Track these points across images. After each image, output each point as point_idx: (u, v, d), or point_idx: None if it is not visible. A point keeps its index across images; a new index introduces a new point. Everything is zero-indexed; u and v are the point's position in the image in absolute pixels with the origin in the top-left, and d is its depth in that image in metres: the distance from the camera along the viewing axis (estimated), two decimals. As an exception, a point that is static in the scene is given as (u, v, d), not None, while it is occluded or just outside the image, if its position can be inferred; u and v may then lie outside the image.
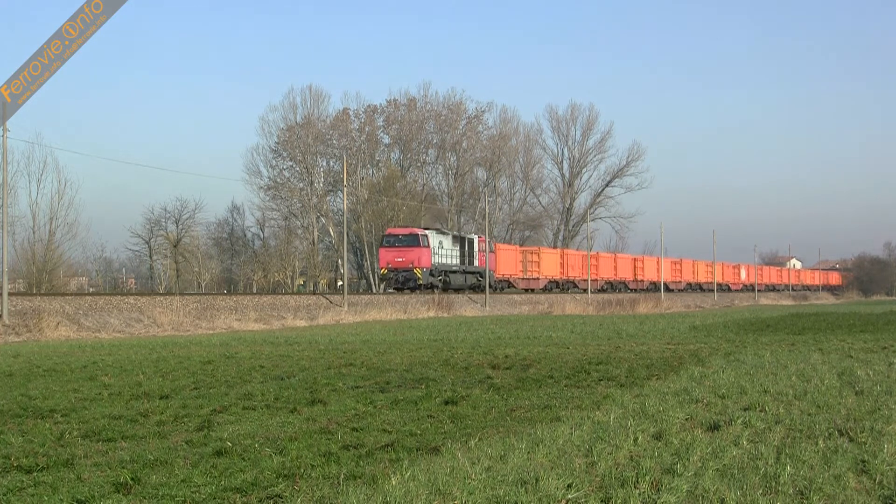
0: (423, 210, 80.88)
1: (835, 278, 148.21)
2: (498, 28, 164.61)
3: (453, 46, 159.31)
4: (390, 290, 53.61)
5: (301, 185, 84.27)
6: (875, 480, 7.18)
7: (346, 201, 52.48)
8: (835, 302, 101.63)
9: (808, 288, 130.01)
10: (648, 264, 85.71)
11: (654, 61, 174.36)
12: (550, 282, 69.85)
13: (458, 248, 54.93)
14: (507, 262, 62.72)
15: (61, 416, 10.60)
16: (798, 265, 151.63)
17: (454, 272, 54.15)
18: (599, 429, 9.06)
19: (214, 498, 6.82)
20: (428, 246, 50.75)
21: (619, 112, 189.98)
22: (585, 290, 70.58)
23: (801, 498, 6.64)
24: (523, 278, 65.93)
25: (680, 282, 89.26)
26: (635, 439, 8.56)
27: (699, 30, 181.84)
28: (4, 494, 6.96)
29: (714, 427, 9.29)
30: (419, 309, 47.46)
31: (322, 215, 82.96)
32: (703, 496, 6.57)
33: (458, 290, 55.05)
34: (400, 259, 50.70)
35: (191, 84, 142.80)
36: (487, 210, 70.39)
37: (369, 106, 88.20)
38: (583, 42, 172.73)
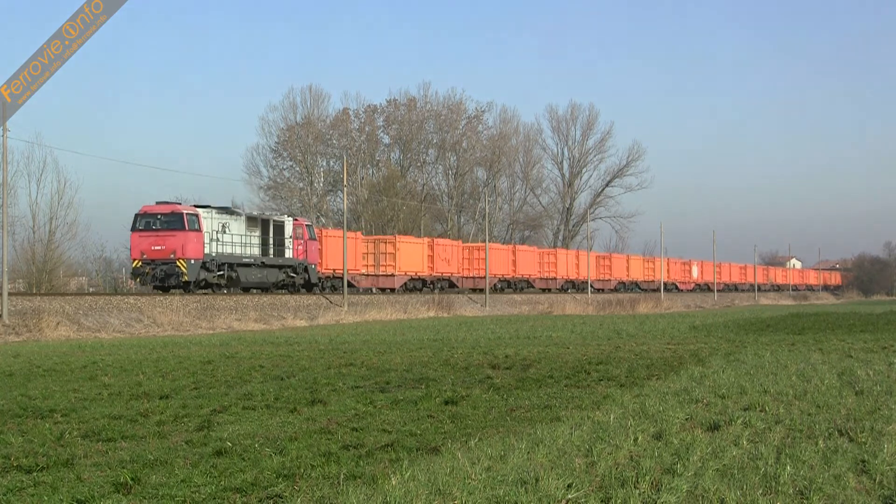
0: (423, 210, 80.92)
1: (835, 278, 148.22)
2: (498, 28, 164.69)
3: (453, 46, 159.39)
4: (147, 290, 40.22)
5: (301, 185, 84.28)
6: (875, 480, 7.18)
7: (346, 201, 52.43)
8: (835, 302, 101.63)
9: (796, 288, 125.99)
10: (561, 258, 72.91)
11: (653, 61, 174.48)
12: (414, 279, 55.86)
13: (258, 233, 41.12)
14: (347, 253, 46.02)
15: (61, 416, 10.60)
16: (798, 265, 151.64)
17: (247, 265, 40.55)
18: (599, 429, 9.06)
19: (214, 498, 6.82)
20: (198, 229, 37.41)
21: (619, 112, 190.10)
22: (478, 290, 59.99)
23: (801, 498, 6.64)
24: (369, 275, 51.84)
25: (609, 280, 77.60)
26: (635, 439, 8.56)
27: (699, 30, 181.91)
28: (4, 494, 6.96)
29: (714, 427, 9.29)
30: (419, 309, 47.47)
31: (322, 215, 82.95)
32: (703, 496, 6.57)
33: (249, 289, 42.31)
34: (158, 247, 37.05)
35: (191, 84, 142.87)
36: (487, 210, 70.36)
37: (369, 106, 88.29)
38: (582, 42, 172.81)
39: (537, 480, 6.84)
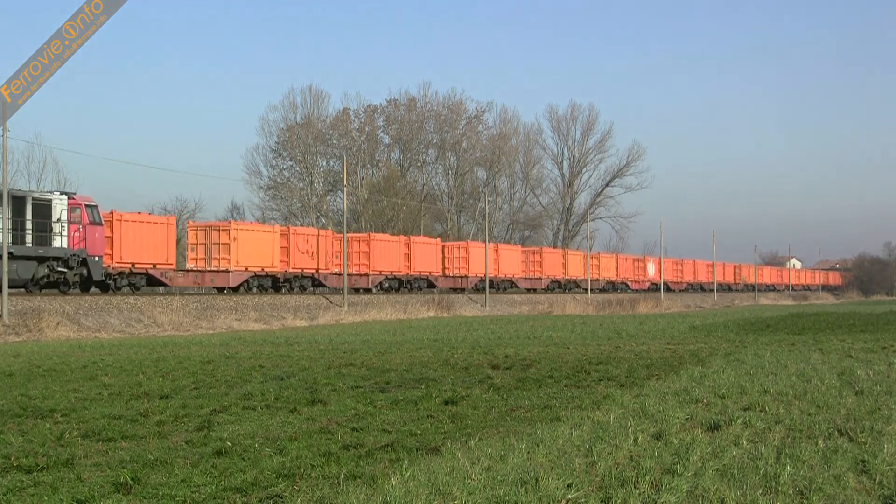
0: (423, 210, 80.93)
1: (835, 278, 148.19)
2: (498, 28, 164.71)
3: (453, 46, 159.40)
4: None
5: (301, 185, 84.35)
6: (875, 480, 7.18)
7: (346, 201, 52.44)
8: (835, 302, 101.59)
9: (772, 287, 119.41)
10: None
11: (654, 61, 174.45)
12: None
13: (8, 214, 30.18)
14: (138, 241, 36.73)
15: (61, 416, 10.60)
16: (798, 265, 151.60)
17: None
18: (599, 429, 9.06)
19: (214, 498, 6.82)
20: None
21: (619, 112, 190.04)
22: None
23: (801, 498, 6.64)
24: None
25: (540, 278, 68.20)
26: (635, 439, 8.56)
27: (699, 29, 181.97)
28: (4, 494, 6.96)
29: (714, 427, 9.29)
30: (419, 309, 47.48)
31: (322, 215, 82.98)
32: (703, 496, 6.57)
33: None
34: None
35: (191, 84, 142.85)
36: (487, 210, 70.38)
37: (369, 106, 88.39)
38: (583, 42, 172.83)
39: (537, 480, 6.84)
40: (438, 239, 61.12)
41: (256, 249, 42.65)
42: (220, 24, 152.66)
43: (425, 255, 55.29)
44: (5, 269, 29.12)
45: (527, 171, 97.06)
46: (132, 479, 7.22)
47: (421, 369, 15.68)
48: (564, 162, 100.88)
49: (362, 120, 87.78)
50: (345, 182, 51.15)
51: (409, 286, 53.70)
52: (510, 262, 63.76)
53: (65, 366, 16.81)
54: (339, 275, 47.09)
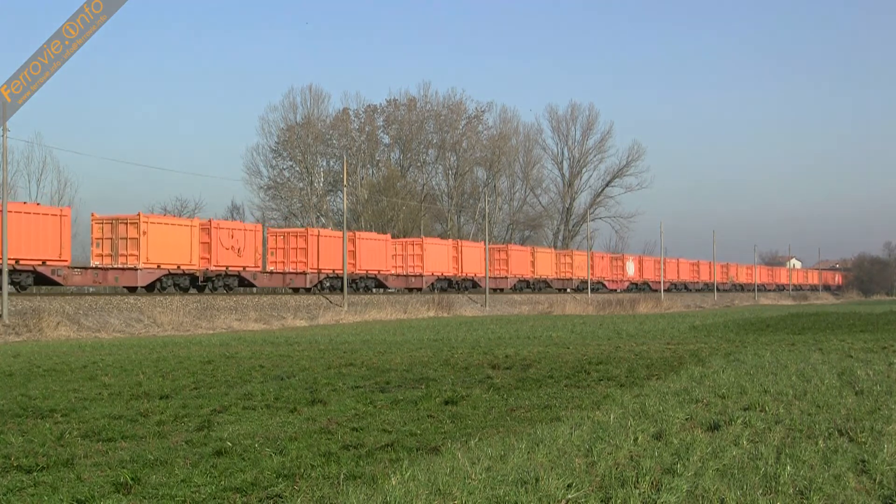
0: (423, 210, 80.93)
1: (835, 278, 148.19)
2: (498, 28, 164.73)
3: (453, 46, 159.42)
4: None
5: (301, 185, 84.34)
6: (875, 480, 7.18)
7: (346, 201, 52.47)
8: (835, 302, 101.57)
9: (768, 287, 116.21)
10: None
11: (653, 61, 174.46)
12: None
13: None
14: (24, 234, 32.54)
15: (61, 416, 10.60)
16: (798, 265, 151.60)
17: None
18: (599, 429, 9.06)
19: (214, 498, 6.82)
20: None
21: (619, 112, 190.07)
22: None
23: (801, 498, 6.64)
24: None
25: (506, 277, 64.18)
26: (635, 439, 8.56)
27: (699, 29, 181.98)
28: (4, 494, 6.96)
29: (714, 427, 9.29)
30: (419, 309, 47.50)
31: (322, 215, 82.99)
32: (703, 496, 6.57)
33: None
34: None
35: (191, 84, 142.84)
36: (487, 210, 70.37)
37: (369, 106, 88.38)
38: (583, 42, 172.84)
39: (537, 480, 6.84)
40: (389, 234, 57.12)
41: (171, 244, 38.62)
42: (221, 24, 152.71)
43: (372, 253, 50.79)
44: (5, 268, 29.12)
45: (527, 171, 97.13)
46: (132, 479, 7.22)
47: (421, 369, 15.69)
48: (564, 162, 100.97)
49: (362, 120, 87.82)
50: (345, 182, 51.16)
51: (354, 286, 49.23)
52: (474, 260, 59.48)
53: (65, 366, 16.81)
54: (271, 273, 45.17)
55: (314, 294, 46.76)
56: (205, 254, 40.38)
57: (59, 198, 53.81)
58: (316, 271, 46.33)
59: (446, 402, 11.32)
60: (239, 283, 42.96)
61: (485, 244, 59.41)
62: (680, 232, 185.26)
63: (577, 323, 36.19)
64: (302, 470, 7.51)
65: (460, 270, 57.99)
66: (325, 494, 6.72)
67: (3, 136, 28.91)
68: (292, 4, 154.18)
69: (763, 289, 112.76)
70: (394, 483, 6.83)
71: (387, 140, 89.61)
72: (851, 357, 17.22)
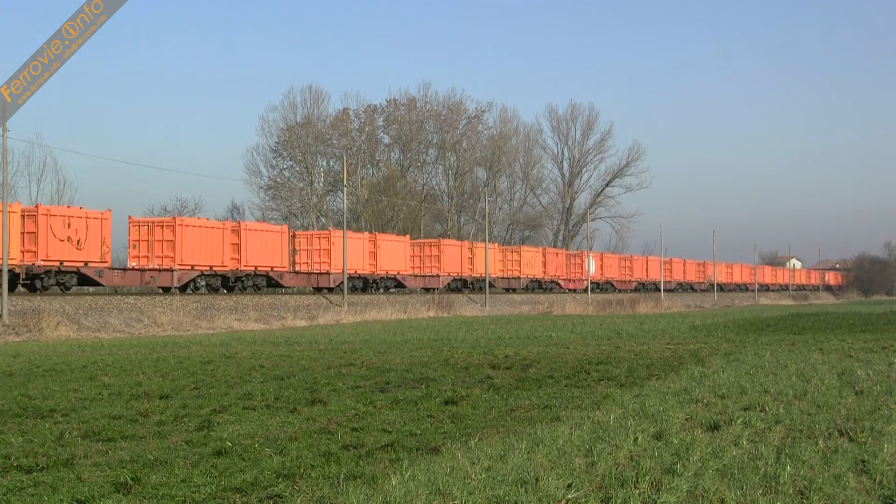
0: (423, 210, 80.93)
1: (835, 278, 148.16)
2: (498, 28, 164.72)
3: (453, 46, 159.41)
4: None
5: (301, 185, 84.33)
6: (875, 480, 7.18)
7: (346, 201, 52.45)
8: (835, 302, 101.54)
9: (750, 287, 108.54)
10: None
11: (654, 61, 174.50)
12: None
13: None
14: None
15: (61, 416, 10.60)
16: (798, 265, 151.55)
17: None
18: (599, 429, 9.06)
19: (214, 498, 6.82)
20: None
21: (619, 112, 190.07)
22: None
23: (801, 498, 6.64)
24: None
25: (438, 276, 57.30)
26: (635, 439, 8.56)
27: (699, 29, 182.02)
28: (4, 494, 6.96)
29: (714, 427, 9.29)
30: (419, 309, 47.50)
31: (322, 215, 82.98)
32: (703, 496, 6.57)
33: None
34: None
35: (191, 84, 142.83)
36: (487, 210, 70.37)
37: (369, 106, 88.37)
38: (583, 42, 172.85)
39: (537, 480, 6.84)
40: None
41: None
42: (221, 24, 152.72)
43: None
44: (5, 269, 29.13)
45: (527, 171, 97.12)
46: (132, 479, 7.22)
47: (421, 369, 15.68)
48: (564, 162, 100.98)
49: (362, 120, 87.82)
50: (345, 182, 51.16)
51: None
52: (393, 256, 51.98)
53: (65, 366, 16.81)
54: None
55: (315, 294, 46.82)
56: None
57: (58, 198, 53.84)
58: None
59: (446, 402, 11.32)
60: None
61: (484, 244, 59.41)
62: (680, 232, 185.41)
63: (576, 323, 36.18)
64: (302, 470, 7.51)
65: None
66: (325, 494, 6.72)
67: (3, 136, 28.92)
68: (292, 4, 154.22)
69: (745, 289, 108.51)
70: (394, 483, 6.83)
71: (387, 140, 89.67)
72: (851, 357, 17.22)
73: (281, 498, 6.74)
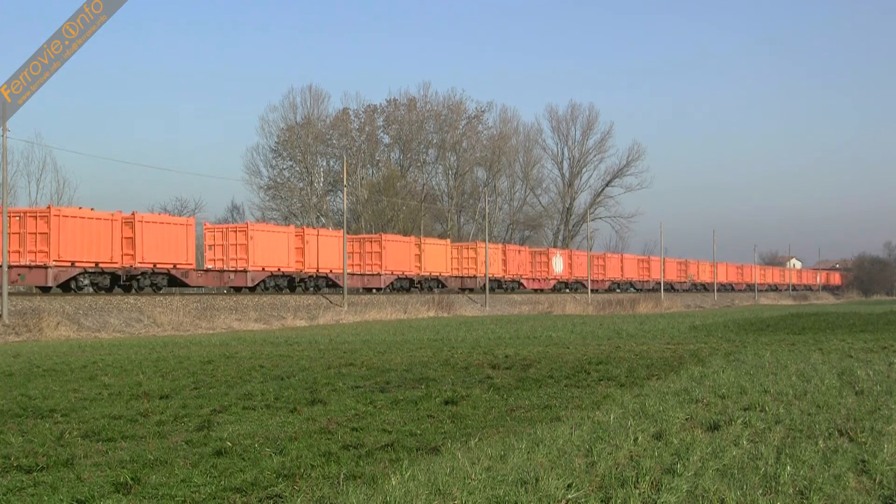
0: (423, 210, 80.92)
1: (835, 278, 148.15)
2: (497, 28, 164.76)
3: (453, 46, 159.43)
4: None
5: (301, 184, 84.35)
6: (875, 480, 7.18)
7: (346, 201, 52.45)
8: (835, 302, 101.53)
9: (737, 287, 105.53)
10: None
11: (653, 61, 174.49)
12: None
13: None
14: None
15: (61, 416, 10.60)
16: (798, 265, 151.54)
17: None
18: (599, 429, 9.06)
19: (214, 498, 6.82)
20: None
21: (619, 112, 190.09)
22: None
23: (801, 498, 6.64)
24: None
25: (379, 274, 51.80)
26: (635, 439, 8.56)
27: (699, 29, 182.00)
28: (4, 494, 6.96)
29: (714, 427, 9.29)
30: (419, 309, 47.50)
31: (322, 215, 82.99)
32: (703, 496, 6.57)
33: None
34: None
35: (191, 84, 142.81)
36: (487, 210, 70.37)
37: (369, 106, 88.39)
38: (583, 42, 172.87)
39: (537, 480, 6.84)
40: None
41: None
42: (221, 24, 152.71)
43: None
44: (5, 269, 29.14)
45: (527, 171, 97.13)
46: (132, 479, 7.22)
47: (421, 369, 15.68)
48: (564, 162, 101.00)
49: (362, 120, 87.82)
50: (345, 182, 51.16)
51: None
52: (327, 253, 47.81)
53: (65, 366, 16.81)
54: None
55: (315, 294, 46.85)
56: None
57: (58, 198, 53.84)
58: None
59: (446, 402, 11.32)
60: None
61: (485, 245, 59.41)
62: (680, 232, 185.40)
63: (576, 323, 36.18)
64: (302, 470, 7.51)
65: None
66: (325, 494, 6.72)
67: (3, 136, 28.91)
68: (292, 4, 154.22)
69: (733, 289, 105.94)
70: (394, 483, 6.83)
71: (387, 140, 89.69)
72: (851, 357, 17.22)
73: (281, 498, 6.74)
